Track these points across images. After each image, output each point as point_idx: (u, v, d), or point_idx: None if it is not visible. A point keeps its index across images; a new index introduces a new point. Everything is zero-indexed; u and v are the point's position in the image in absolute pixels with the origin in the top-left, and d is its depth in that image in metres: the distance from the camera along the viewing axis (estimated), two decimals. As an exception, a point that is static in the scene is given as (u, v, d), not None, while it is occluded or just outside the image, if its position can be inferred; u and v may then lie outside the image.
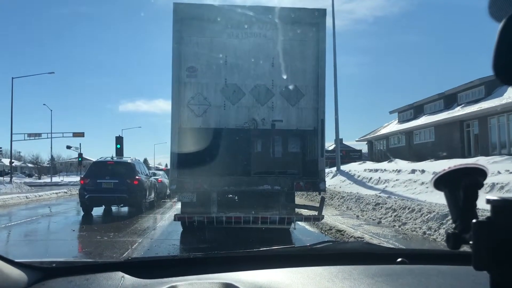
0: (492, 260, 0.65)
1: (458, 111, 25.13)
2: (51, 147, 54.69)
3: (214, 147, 7.08)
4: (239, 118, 7.41)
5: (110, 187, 12.68)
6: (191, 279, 1.08)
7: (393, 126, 35.43)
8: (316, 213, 7.44)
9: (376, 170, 17.08)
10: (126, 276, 1.11)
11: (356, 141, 39.33)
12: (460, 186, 0.75)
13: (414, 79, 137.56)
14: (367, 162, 27.70)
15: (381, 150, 35.91)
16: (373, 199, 11.44)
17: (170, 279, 1.07)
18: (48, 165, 61.20)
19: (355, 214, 11.05)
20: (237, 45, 7.43)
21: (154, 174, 17.87)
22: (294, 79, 7.46)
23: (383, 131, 36.41)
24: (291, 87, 7.43)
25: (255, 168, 7.39)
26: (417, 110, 32.12)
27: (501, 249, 0.64)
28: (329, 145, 58.94)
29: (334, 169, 23.06)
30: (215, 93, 7.39)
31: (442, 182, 0.78)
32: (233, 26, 7.39)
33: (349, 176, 18.90)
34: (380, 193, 13.53)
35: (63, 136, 38.02)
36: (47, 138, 37.72)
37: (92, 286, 1.07)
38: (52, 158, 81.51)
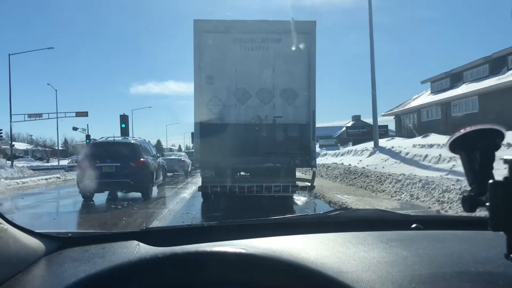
0: (509, 220, 0.63)
1: (510, 76, 21.82)
2: (57, 129, 53.37)
3: (228, 137, 8.70)
4: (247, 115, 9.00)
5: (112, 171, 10.92)
6: (204, 246, 1.01)
7: (425, 97, 32.08)
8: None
9: (431, 146, 14.03)
10: (141, 244, 1.08)
11: (383, 115, 35.93)
12: (477, 148, 0.71)
13: (442, 49, 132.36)
14: (396, 138, 24.53)
15: (412, 124, 32.70)
16: (453, 185, 8.53)
17: (184, 246, 1.01)
18: (59, 148, 59.27)
19: (429, 207, 8.21)
20: (245, 55, 8.94)
21: (163, 155, 17.39)
22: (291, 82, 9.01)
23: (413, 103, 33.10)
24: (288, 89, 9.02)
25: (261, 150, 8.93)
26: (454, 78, 28.80)
27: None
28: (347, 122, 55.69)
29: (369, 145, 19.93)
30: (227, 95, 8.96)
31: (458, 144, 0.73)
32: (241, 41, 8.96)
33: (392, 153, 15.87)
34: (447, 174, 10.63)
35: (65, 116, 35.43)
36: (48, 118, 35.25)
37: (108, 254, 1.04)
38: (66, 141, 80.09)
